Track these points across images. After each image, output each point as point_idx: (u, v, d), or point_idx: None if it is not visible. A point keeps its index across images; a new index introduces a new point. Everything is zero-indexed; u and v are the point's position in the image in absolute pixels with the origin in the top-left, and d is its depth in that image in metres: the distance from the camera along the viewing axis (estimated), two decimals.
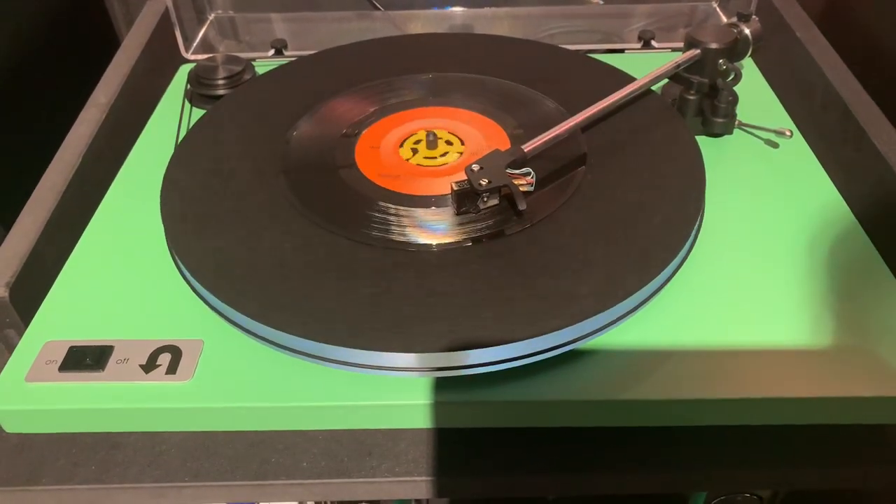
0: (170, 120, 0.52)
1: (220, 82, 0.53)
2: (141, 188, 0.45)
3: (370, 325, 0.34)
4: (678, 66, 0.47)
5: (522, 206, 0.38)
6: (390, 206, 0.41)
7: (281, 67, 0.53)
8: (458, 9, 0.64)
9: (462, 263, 0.37)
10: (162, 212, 0.41)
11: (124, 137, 0.51)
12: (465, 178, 0.39)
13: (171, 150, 0.46)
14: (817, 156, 0.47)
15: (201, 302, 0.38)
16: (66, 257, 0.42)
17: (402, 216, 0.40)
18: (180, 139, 0.49)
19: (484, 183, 0.39)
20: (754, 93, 0.52)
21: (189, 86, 0.54)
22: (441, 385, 0.35)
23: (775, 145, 0.48)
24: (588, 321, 0.34)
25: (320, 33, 0.64)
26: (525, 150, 0.41)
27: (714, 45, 0.47)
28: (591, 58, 0.53)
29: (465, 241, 0.38)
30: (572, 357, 0.36)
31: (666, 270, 0.37)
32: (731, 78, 0.47)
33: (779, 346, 0.36)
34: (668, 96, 0.50)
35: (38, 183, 0.46)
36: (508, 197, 0.40)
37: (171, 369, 0.36)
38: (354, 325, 0.34)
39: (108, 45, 0.65)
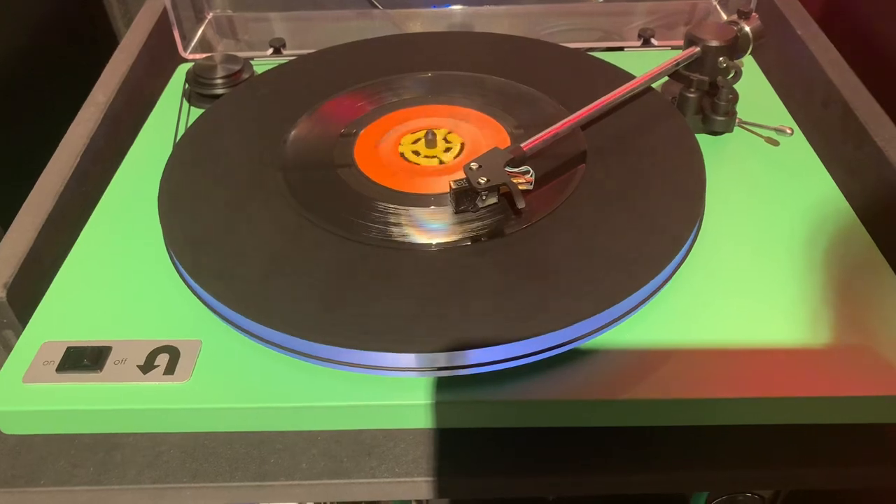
0: (168, 119, 0.52)
1: (219, 81, 0.53)
2: (139, 188, 0.45)
3: (369, 325, 0.34)
4: (678, 63, 0.47)
5: (521, 205, 0.38)
6: (389, 205, 0.40)
7: (279, 67, 0.53)
8: (457, 7, 0.64)
9: (461, 263, 0.37)
10: (160, 211, 0.41)
11: (122, 137, 0.51)
12: (464, 176, 0.39)
13: (169, 150, 0.46)
14: (818, 153, 0.47)
15: (199, 302, 0.37)
16: (64, 257, 0.42)
17: (400, 215, 0.40)
18: (178, 138, 0.48)
19: (483, 181, 0.39)
20: (754, 90, 0.52)
21: (187, 85, 0.53)
22: (440, 385, 0.35)
23: (776, 143, 0.48)
24: (588, 320, 0.34)
25: (319, 32, 0.64)
26: (524, 149, 0.41)
27: (714, 43, 0.47)
28: (590, 56, 0.53)
29: (464, 240, 0.38)
30: (572, 357, 0.35)
31: (666, 269, 0.37)
32: (731, 76, 0.47)
33: (780, 346, 0.36)
34: (668, 94, 0.50)
35: (36, 183, 0.45)
36: (507, 195, 0.40)
37: (170, 370, 0.35)
38: (353, 325, 0.34)
39: (107, 44, 0.65)
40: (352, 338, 0.33)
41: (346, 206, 0.40)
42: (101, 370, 0.35)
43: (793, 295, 0.38)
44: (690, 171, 0.42)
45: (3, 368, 0.36)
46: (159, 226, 0.40)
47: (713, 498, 0.44)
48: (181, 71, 0.57)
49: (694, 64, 0.48)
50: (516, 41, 0.55)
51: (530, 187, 0.40)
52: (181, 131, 0.50)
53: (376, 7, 0.63)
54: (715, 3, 0.63)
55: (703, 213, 0.41)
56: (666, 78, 0.49)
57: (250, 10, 0.64)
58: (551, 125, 0.42)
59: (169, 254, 0.40)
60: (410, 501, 0.49)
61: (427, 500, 0.48)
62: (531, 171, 0.40)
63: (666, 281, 0.37)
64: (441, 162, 0.44)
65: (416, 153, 0.44)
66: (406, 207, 0.40)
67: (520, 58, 0.52)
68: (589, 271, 0.36)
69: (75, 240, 0.43)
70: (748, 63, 0.55)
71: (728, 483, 0.40)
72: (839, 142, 0.49)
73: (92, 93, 0.53)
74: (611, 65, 0.51)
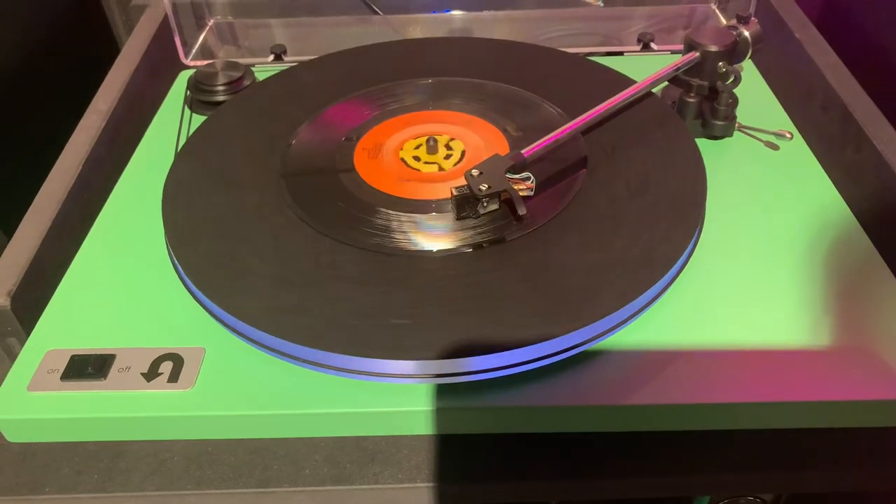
0: (170, 126, 0.52)
1: (220, 88, 0.53)
2: (141, 195, 0.46)
3: (371, 332, 0.34)
4: (678, 68, 0.47)
5: (522, 211, 0.38)
6: (391, 211, 0.41)
7: (281, 73, 0.53)
8: (456, 13, 0.64)
9: (462, 269, 0.37)
10: (163, 219, 0.41)
11: (124, 144, 0.51)
12: (465, 183, 0.39)
13: (171, 157, 0.46)
14: (817, 157, 0.47)
15: (203, 310, 0.38)
16: (68, 265, 0.42)
17: (402, 221, 0.40)
18: (180, 146, 0.49)
19: (484, 188, 0.39)
20: (754, 95, 0.52)
21: (189, 92, 0.54)
22: (443, 391, 0.35)
23: (775, 147, 0.48)
24: (589, 326, 0.34)
25: (319, 38, 0.64)
26: (525, 155, 0.41)
27: (713, 48, 0.47)
28: (590, 61, 0.53)
29: (466, 246, 0.38)
30: (574, 362, 0.35)
31: (667, 275, 0.37)
32: (730, 80, 0.47)
33: (781, 350, 0.36)
34: (668, 99, 0.50)
35: (38, 191, 0.46)
36: (508, 202, 0.40)
37: (173, 377, 0.36)
38: (355, 332, 0.34)
39: (108, 51, 0.66)
40: (354, 344, 0.34)
41: (348, 213, 0.41)
42: (105, 378, 0.36)
43: (793, 299, 0.38)
44: (691, 176, 0.42)
45: (7, 377, 0.36)
46: (162, 232, 0.40)
47: (715, 501, 0.44)
48: (182, 78, 0.57)
49: (693, 69, 0.48)
50: (516, 46, 0.55)
51: (531, 193, 0.40)
52: (183, 138, 0.50)
53: (376, 13, 0.63)
54: (714, 7, 0.64)
55: (703, 218, 0.41)
56: (666, 83, 0.49)
57: (251, 16, 0.65)
58: (552, 131, 0.42)
59: (172, 261, 0.40)
60: None
61: None
62: (532, 177, 0.40)
63: (666, 287, 0.38)
64: (442, 168, 0.44)
65: (418, 159, 0.45)
66: (407, 214, 0.40)
67: (520, 63, 0.53)
68: (589, 277, 0.36)
69: (78, 247, 0.43)
70: (747, 67, 0.55)
71: (729, 486, 0.40)
72: (838, 145, 0.49)
73: (93, 100, 0.53)
74: (611, 69, 0.52)
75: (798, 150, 0.48)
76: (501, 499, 0.36)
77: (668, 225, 0.39)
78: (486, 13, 0.64)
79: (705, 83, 0.47)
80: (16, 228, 0.43)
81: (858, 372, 0.35)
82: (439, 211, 0.41)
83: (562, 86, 0.50)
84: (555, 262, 0.37)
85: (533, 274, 0.37)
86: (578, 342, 0.35)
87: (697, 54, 0.47)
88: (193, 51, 0.62)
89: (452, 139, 0.46)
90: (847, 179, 0.46)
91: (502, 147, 0.45)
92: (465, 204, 0.39)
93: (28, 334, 0.38)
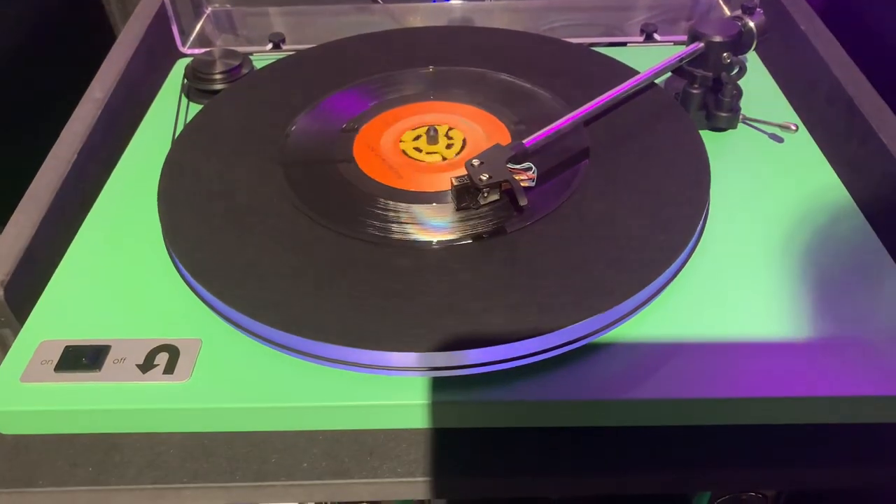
0: (167, 115, 0.51)
1: (218, 77, 0.52)
2: (137, 185, 0.45)
3: (370, 324, 0.34)
4: (682, 59, 0.47)
5: (523, 202, 0.38)
6: (390, 202, 0.40)
7: (279, 62, 0.52)
8: (457, 2, 0.63)
9: (463, 261, 0.37)
10: (159, 208, 0.40)
11: (120, 133, 0.51)
12: (466, 173, 0.39)
13: (167, 146, 0.46)
14: (822, 150, 0.47)
15: (199, 300, 0.37)
16: (62, 255, 0.41)
17: (401, 212, 0.39)
18: (177, 135, 0.48)
19: (484, 178, 0.38)
20: (758, 87, 0.52)
21: (186, 80, 0.53)
22: (442, 385, 0.35)
23: (780, 140, 0.48)
24: (590, 320, 0.34)
25: (318, 27, 0.63)
26: (526, 145, 0.40)
27: (718, 39, 0.46)
28: (593, 51, 0.53)
29: (466, 237, 0.38)
30: (575, 356, 0.35)
31: (671, 267, 0.36)
32: (735, 72, 0.47)
33: (784, 344, 0.36)
34: (672, 90, 0.49)
35: (33, 180, 0.45)
36: (509, 192, 0.39)
37: (169, 369, 0.35)
38: (354, 324, 0.34)
39: (104, 39, 0.65)
40: (352, 337, 0.33)
41: (347, 203, 0.40)
42: (99, 369, 0.35)
43: (798, 293, 0.38)
44: (694, 168, 0.42)
45: (0, 368, 0.36)
46: (158, 223, 0.40)
47: (716, 497, 0.43)
48: (179, 66, 0.56)
49: (697, 60, 0.47)
50: (518, 36, 0.54)
51: (532, 184, 0.40)
52: (180, 127, 0.50)
53: (376, 1, 0.63)
54: None
55: (707, 210, 0.40)
56: (669, 74, 0.49)
57: (249, 4, 0.64)
58: (554, 121, 0.42)
59: (168, 251, 0.39)
60: (412, 501, 0.48)
61: (429, 500, 0.48)
62: (533, 167, 0.40)
63: (669, 281, 0.37)
64: (443, 158, 0.43)
65: (418, 149, 0.44)
66: (407, 204, 0.40)
67: (521, 53, 0.52)
68: (591, 269, 0.36)
69: (73, 237, 0.42)
70: (752, 59, 0.55)
71: (731, 482, 0.40)
72: (843, 138, 0.48)
73: (89, 88, 0.52)
74: (614, 60, 0.51)
75: (803, 143, 0.48)
76: (500, 494, 0.35)
77: (671, 217, 0.38)
78: (486, 2, 0.63)
79: (709, 74, 0.47)
80: (9, 217, 0.42)
81: (863, 367, 0.35)
82: (439, 201, 0.40)
83: (564, 76, 0.49)
84: (555, 254, 0.37)
85: (533, 266, 0.36)
86: (579, 336, 0.34)
87: (702, 45, 0.47)
88: (191, 39, 0.61)
89: (453, 129, 0.45)
90: (852, 172, 0.46)
91: (504, 137, 0.44)
92: (465, 194, 0.39)
93: (22, 325, 0.38)
